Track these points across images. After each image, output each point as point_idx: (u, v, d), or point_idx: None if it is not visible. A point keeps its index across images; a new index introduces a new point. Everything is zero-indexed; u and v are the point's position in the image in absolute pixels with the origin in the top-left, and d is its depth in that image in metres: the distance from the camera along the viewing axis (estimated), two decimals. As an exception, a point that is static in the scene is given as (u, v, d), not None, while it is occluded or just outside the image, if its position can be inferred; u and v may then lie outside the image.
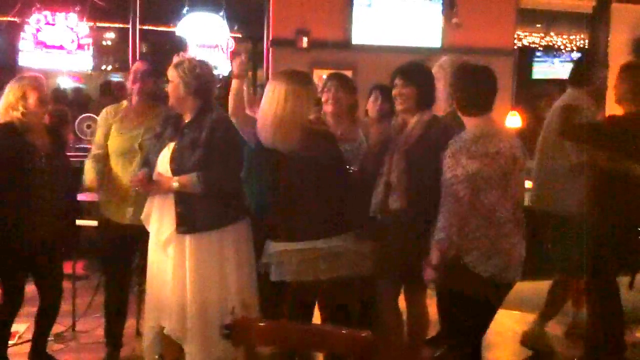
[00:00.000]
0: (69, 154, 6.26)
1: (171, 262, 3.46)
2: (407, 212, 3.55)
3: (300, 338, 2.12)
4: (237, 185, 3.61)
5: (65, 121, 6.24)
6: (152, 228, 3.56)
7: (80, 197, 4.49)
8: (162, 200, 3.51)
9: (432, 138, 3.54)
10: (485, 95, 3.31)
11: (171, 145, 3.50)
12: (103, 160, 4.04)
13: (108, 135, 4.04)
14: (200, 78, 3.51)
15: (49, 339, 4.30)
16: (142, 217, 3.62)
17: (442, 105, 3.96)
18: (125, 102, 4.14)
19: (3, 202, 3.68)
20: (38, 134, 3.82)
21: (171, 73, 3.53)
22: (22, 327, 4.54)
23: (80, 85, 10.07)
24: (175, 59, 3.59)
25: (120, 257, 4.12)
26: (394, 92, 3.71)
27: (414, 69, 3.76)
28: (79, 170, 4.17)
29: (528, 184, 4.41)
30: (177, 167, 3.45)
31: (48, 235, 3.81)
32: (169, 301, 3.47)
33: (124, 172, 3.97)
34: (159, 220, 3.52)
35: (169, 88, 3.53)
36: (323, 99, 4.06)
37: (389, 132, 3.74)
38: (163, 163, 3.50)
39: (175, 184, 3.41)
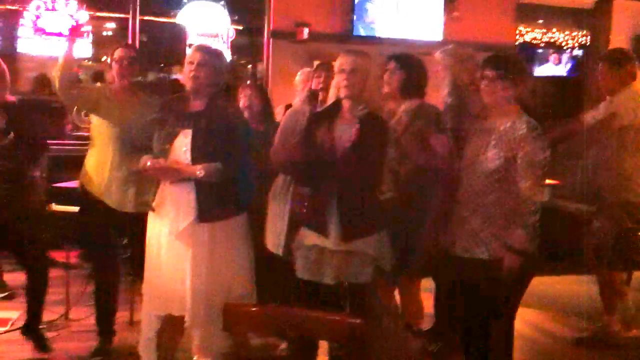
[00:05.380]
0: (67, 142, 6.37)
1: (189, 251, 3.41)
2: (398, 202, 3.52)
3: (290, 323, 2.10)
4: (247, 175, 3.57)
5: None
6: (167, 217, 3.46)
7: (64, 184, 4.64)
8: (176, 188, 3.44)
9: (421, 126, 3.53)
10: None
11: (187, 133, 3.43)
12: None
13: (93, 94, 4.01)
14: (222, 67, 3.53)
15: (41, 326, 4.28)
16: (155, 205, 3.50)
17: (442, 93, 3.94)
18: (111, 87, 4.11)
19: None
20: None
21: (199, 57, 3.44)
22: (14, 314, 4.52)
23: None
24: (198, 44, 3.63)
25: (107, 244, 4.09)
26: (385, 75, 3.72)
27: (406, 55, 3.80)
28: (77, 159, 4.17)
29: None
30: (197, 155, 3.37)
31: None
32: (182, 290, 3.41)
33: (101, 153, 3.97)
34: (176, 210, 3.42)
35: (193, 71, 3.41)
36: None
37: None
38: (179, 151, 3.43)
39: (200, 173, 3.35)
